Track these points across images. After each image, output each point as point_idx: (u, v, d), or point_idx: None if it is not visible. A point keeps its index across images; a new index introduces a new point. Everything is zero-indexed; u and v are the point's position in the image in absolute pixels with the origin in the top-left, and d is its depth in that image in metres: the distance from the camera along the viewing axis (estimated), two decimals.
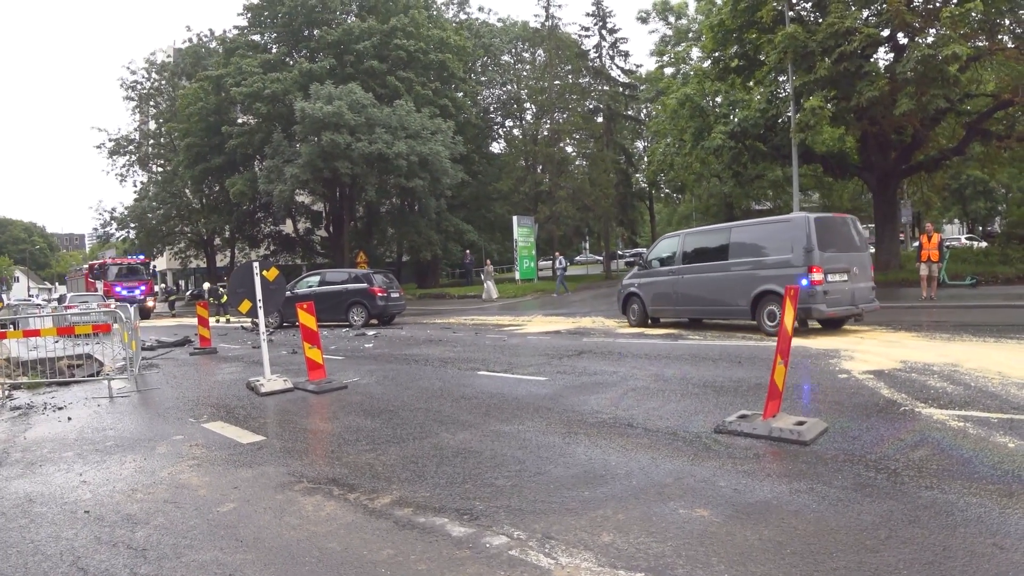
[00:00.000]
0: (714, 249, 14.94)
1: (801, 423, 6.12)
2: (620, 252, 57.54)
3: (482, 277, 36.74)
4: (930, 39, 20.87)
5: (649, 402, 7.96)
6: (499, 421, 7.43)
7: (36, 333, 13.20)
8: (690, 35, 48.82)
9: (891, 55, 23.79)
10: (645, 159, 51.96)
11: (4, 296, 44.72)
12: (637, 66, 51.87)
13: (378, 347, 15.77)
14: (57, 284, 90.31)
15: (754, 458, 5.56)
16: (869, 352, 10.70)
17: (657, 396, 8.28)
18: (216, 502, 5.30)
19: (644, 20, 52.80)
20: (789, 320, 6.18)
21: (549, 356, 12.35)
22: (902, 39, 22.73)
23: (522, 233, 39.03)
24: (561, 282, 34.59)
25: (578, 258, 67.76)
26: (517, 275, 39.69)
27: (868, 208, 43.58)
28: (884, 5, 20.92)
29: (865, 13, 22.23)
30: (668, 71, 48.31)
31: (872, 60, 22.88)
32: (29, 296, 75.76)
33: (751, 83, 27.45)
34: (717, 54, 26.99)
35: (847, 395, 7.67)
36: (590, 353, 12.48)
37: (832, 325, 13.83)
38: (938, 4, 21.29)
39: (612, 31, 49.32)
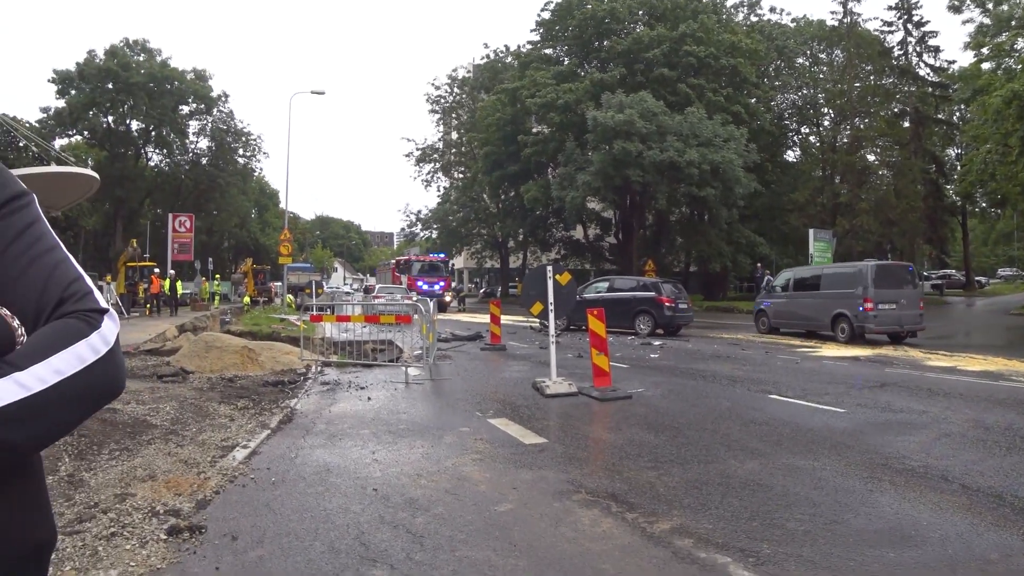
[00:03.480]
0: (812, 282, 20.67)
1: None
2: (925, 273, 51.60)
3: None
4: None
5: (967, 453, 6.78)
6: (791, 454, 6.73)
7: (347, 319, 14.59)
8: (1013, 22, 42.39)
9: None
10: (959, 168, 46.45)
11: (324, 283, 51.00)
12: (949, 63, 46.48)
13: (663, 358, 15.39)
14: (367, 275, 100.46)
15: None
16: None
17: (977, 447, 7.05)
18: (494, 500, 5.29)
19: (957, 9, 46.35)
20: None
21: (847, 385, 11.17)
22: None
23: (818, 248, 36.43)
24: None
25: None
26: None
27: None
28: None
29: None
30: (986, 66, 42.42)
31: None
32: (344, 283, 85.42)
33: None
34: None
35: None
36: (894, 386, 11.11)
37: (893, 340, 18.72)
38: None
39: (919, 24, 44.86)
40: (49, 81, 51.62)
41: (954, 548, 4.33)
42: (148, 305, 28.45)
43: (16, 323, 1.01)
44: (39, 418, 0.94)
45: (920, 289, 19.41)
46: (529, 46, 51.05)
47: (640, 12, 45.55)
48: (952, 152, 50.74)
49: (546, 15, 47.54)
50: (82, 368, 0.99)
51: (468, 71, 62.27)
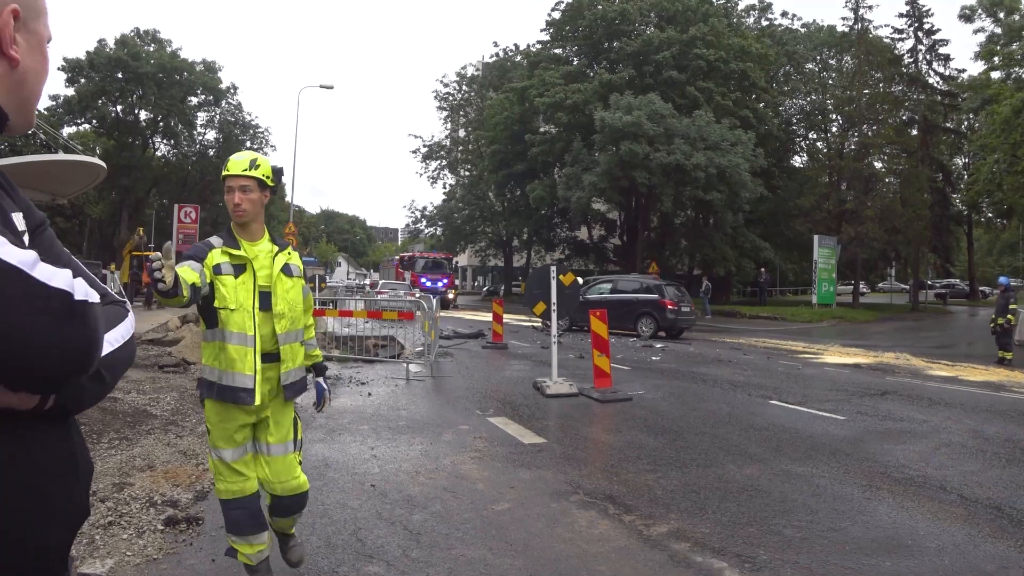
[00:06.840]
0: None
1: None
2: (929, 282, 51.20)
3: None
4: None
5: (966, 463, 6.79)
6: (790, 460, 6.73)
7: (349, 314, 14.60)
8: None
9: None
10: (966, 177, 46.22)
11: (327, 278, 51.14)
12: (959, 71, 46.31)
13: (665, 361, 15.38)
14: (372, 271, 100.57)
15: None
16: None
17: (976, 457, 7.05)
18: (492, 499, 5.29)
19: (968, 18, 46.12)
20: None
21: (848, 392, 11.16)
22: None
23: (823, 254, 36.44)
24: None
25: (881, 285, 62.18)
26: (814, 299, 37.16)
27: None
28: None
29: None
30: (996, 75, 42.23)
31: None
32: (349, 279, 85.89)
33: None
34: None
35: None
36: (895, 394, 11.08)
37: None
38: None
39: (930, 32, 44.74)
40: (59, 69, 51.61)
41: (951, 559, 4.33)
42: (154, 294, 28.36)
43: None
44: (113, 370, 1.21)
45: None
46: (539, 45, 50.93)
47: (651, 14, 45.38)
48: (960, 161, 50.58)
49: (556, 15, 47.50)
50: (125, 341, 1.25)
51: (477, 69, 62.25)
